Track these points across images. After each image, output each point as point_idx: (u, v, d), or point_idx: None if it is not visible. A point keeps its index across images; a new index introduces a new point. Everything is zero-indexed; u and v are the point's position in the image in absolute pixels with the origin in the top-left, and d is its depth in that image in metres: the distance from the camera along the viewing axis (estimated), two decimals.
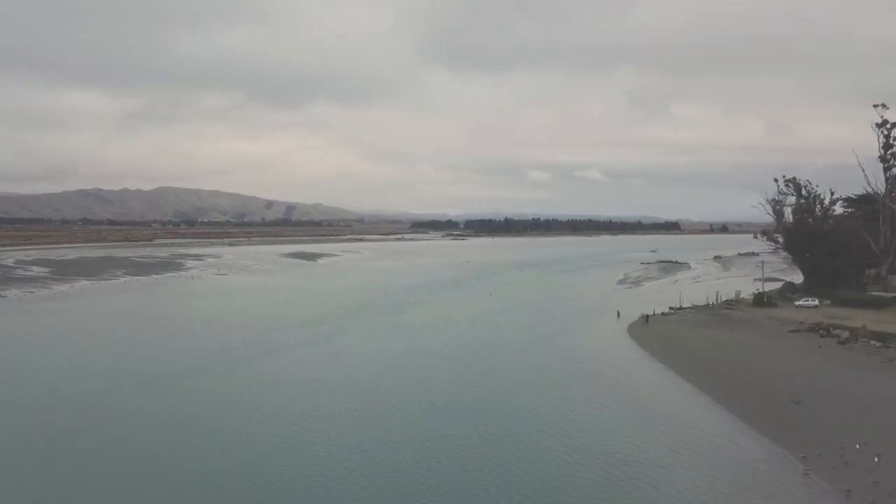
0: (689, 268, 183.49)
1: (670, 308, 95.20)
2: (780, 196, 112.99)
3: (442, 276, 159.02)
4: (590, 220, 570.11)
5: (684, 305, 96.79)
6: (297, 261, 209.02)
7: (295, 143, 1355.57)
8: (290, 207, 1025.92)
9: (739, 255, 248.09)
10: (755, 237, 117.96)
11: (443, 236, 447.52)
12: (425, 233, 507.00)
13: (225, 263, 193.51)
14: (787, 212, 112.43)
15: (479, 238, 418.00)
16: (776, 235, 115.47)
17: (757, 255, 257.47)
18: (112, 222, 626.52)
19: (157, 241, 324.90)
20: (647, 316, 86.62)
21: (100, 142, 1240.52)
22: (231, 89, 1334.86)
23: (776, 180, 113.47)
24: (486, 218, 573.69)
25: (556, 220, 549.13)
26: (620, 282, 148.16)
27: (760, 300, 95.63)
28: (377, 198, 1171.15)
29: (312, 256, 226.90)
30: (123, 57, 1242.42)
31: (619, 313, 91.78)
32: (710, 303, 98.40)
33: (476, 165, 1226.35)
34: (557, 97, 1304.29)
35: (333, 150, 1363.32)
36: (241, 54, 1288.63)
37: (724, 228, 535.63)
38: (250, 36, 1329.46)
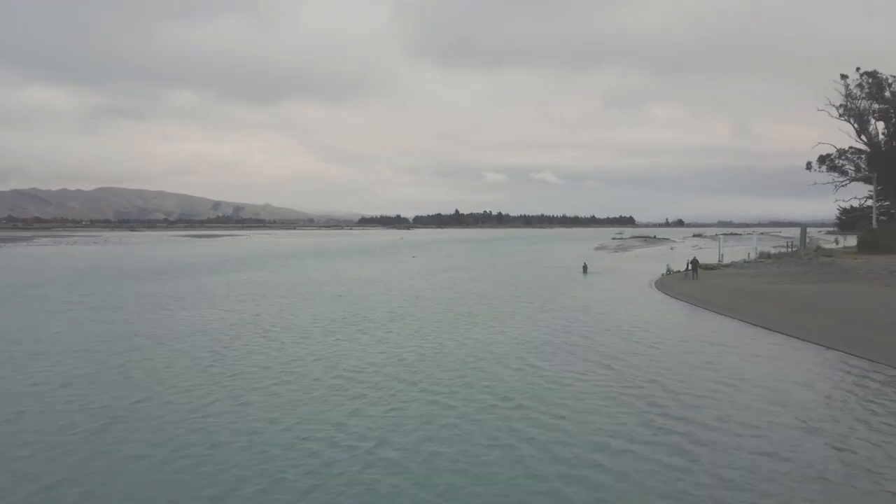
0: (676, 241, 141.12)
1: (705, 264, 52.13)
2: (849, 101, 70.39)
3: (355, 246, 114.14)
4: (542, 214, 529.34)
5: (726, 260, 53.98)
6: (189, 238, 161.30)
7: (257, 145, 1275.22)
8: (238, 208, 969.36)
9: (719, 234, 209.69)
10: (808, 168, 74.57)
11: (386, 228, 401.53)
12: (373, 228, 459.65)
13: (86, 240, 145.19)
14: (874, 123, 69.67)
15: (427, 229, 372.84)
16: (842, 160, 72.66)
17: (740, 234, 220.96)
18: (38, 220, 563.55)
19: (55, 228, 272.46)
20: (692, 267, 43.65)
21: (56, 141, 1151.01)
22: (207, 86, 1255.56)
23: (844, 76, 70.90)
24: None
25: (508, 215, 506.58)
26: (599, 249, 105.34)
27: (872, 243, 52.76)
28: (333, 200, 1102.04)
29: (212, 236, 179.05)
30: (100, 50, 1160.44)
31: (585, 267, 55.38)
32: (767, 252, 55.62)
33: (437, 168, 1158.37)
34: (535, 97, 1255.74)
35: (294, 152, 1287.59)
36: (224, 49, 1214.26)
37: (679, 223, 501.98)
38: (236, 30, 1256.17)
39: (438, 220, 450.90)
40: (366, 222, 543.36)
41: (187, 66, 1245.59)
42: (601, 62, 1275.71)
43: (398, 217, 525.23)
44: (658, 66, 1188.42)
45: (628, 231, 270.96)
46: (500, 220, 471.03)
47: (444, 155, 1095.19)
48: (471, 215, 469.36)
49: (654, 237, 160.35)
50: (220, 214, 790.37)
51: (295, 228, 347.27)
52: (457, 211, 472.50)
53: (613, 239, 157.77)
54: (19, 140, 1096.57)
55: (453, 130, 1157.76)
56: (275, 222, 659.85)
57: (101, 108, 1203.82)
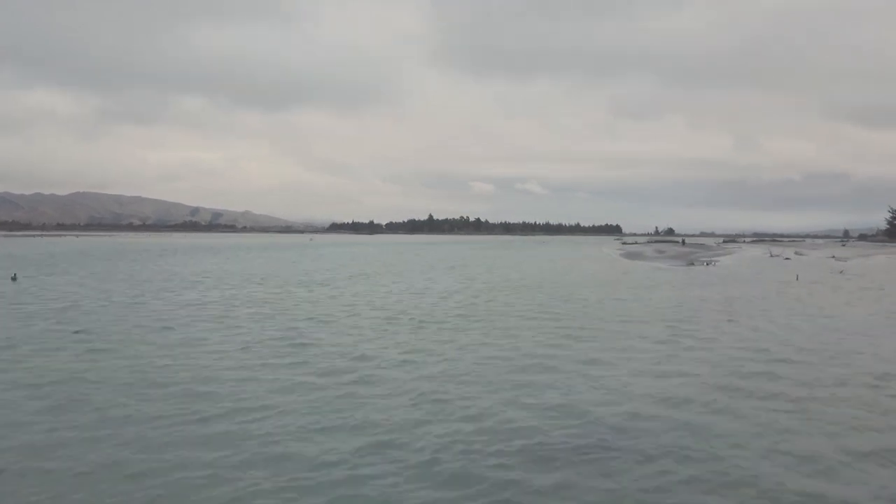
0: (732, 249, 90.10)
1: None
2: None
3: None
4: (524, 222, 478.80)
5: None
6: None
7: (252, 152, 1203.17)
8: (217, 215, 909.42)
9: (757, 239, 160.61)
10: None
11: (348, 233, 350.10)
12: (342, 233, 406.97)
13: None
14: None
15: (396, 235, 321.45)
16: None
17: (782, 241, 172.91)
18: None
19: None
20: None
21: (46, 145, 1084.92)
22: (220, 91, 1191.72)
23: None
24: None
25: (488, 222, 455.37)
26: (629, 255, 54.32)
27: None
28: (317, 208, 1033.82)
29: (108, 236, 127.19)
30: (119, 52, 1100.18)
31: None
32: None
33: (426, 178, 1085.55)
34: (544, 107, 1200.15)
35: (287, 161, 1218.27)
36: (245, 53, 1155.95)
37: (670, 231, 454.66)
38: (262, 34, 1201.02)
39: (411, 226, 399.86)
40: (337, 228, 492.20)
41: (206, 70, 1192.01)
42: (616, 72, 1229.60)
43: (371, 223, 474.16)
44: (667, 77, 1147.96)
45: (629, 238, 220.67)
46: (479, 227, 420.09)
47: (436, 166, 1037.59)
48: (446, 221, 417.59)
49: (682, 241, 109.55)
50: (189, 220, 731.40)
51: (244, 232, 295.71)
52: (430, 216, 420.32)
53: (626, 244, 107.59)
54: (8, 144, 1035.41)
55: (450, 141, 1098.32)
56: (244, 228, 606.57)
57: (108, 112, 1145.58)
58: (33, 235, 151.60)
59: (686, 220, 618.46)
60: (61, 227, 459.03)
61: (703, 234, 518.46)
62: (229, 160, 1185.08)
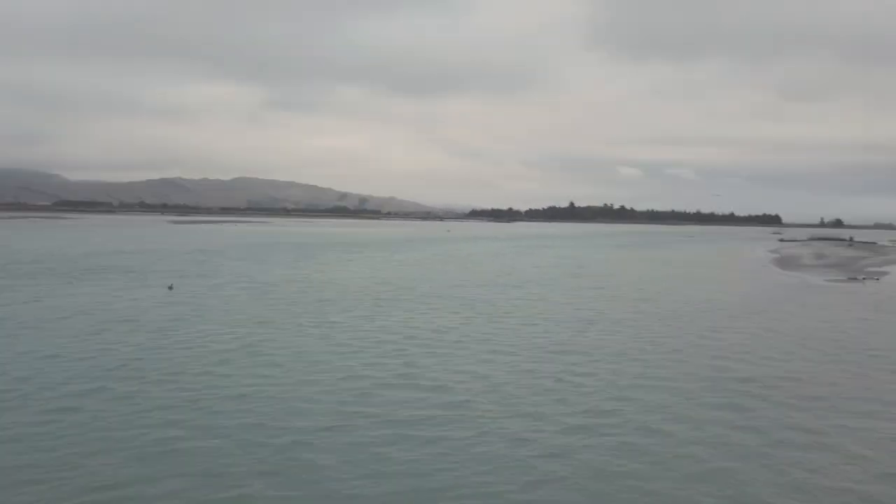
0: None
1: None
2: None
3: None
4: (673, 210, 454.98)
5: None
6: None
7: (401, 138, 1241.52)
8: (363, 200, 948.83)
9: None
10: None
11: (487, 220, 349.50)
12: (481, 220, 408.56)
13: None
14: None
15: (534, 223, 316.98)
16: None
17: None
18: (164, 206, 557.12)
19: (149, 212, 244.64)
20: None
21: (216, 134, 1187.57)
22: (379, 79, 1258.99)
23: None
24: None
25: (633, 210, 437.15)
26: (782, 263, 48.29)
27: None
28: (459, 193, 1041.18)
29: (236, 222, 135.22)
30: (285, 46, 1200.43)
31: None
32: None
33: (569, 163, 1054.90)
34: (701, 89, 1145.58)
35: (433, 146, 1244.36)
36: (407, 42, 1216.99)
37: (838, 222, 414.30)
38: (423, 23, 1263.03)
39: (551, 214, 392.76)
40: (476, 215, 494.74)
41: (367, 61, 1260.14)
42: (787, 51, 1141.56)
43: (510, 210, 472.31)
44: (846, 54, 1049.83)
45: (789, 230, 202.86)
46: (623, 215, 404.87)
47: (582, 150, 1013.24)
48: (588, 209, 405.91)
49: (851, 239, 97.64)
50: (338, 205, 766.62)
51: (386, 219, 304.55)
52: (571, 204, 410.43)
53: (783, 241, 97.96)
54: (181, 132, 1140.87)
55: (599, 125, 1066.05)
56: (388, 214, 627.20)
57: (273, 102, 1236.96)
58: (199, 221, 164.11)
59: (858, 209, 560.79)
60: (224, 210, 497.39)
61: (878, 226, 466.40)
62: (379, 147, 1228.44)
